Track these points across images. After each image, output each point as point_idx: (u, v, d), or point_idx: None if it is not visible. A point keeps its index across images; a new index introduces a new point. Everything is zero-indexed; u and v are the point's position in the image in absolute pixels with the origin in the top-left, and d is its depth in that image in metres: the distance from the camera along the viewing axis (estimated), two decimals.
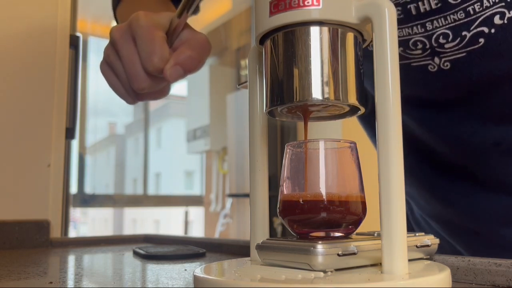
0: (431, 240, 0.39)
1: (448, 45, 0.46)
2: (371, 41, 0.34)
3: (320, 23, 0.33)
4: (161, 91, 0.52)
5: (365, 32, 0.35)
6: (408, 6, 0.46)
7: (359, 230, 0.38)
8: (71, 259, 0.65)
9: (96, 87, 2.99)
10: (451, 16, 0.44)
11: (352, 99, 0.34)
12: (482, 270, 0.37)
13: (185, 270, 0.49)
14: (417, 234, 0.39)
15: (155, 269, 0.51)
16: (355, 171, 0.37)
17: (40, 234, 0.83)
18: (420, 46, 0.47)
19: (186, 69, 0.46)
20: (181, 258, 0.58)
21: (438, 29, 0.46)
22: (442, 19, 0.45)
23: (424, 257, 0.40)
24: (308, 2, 0.33)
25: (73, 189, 2.81)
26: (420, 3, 0.45)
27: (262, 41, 0.37)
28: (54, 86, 0.95)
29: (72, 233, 4.15)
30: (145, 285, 0.42)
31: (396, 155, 0.31)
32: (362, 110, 0.36)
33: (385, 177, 0.31)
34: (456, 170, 0.55)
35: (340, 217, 0.35)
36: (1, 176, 0.87)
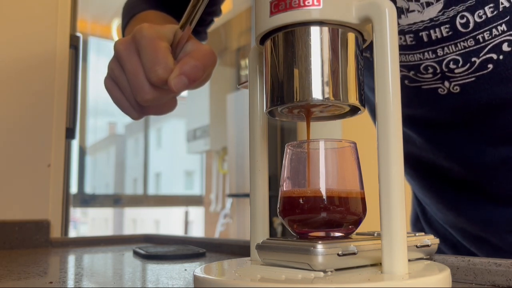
0: (431, 240, 0.39)
1: (458, 70, 0.48)
2: (371, 41, 0.34)
3: (320, 23, 0.33)
4: (167, 106, 0.51)
5: (365, 32, 0.35)
6: (420, 34, 0.48)
7: (359, 230, 0.38)
8: (71, 259, 0.65)
9: (96, 87, 2.99)
10: (461, 43, 0.46)
11: (352, 99, 0.34)
12: (482, 270, 0.37)
13: (185, 270, 0.49)
14: (417, 234, 0.39)
15: (155, 269, 0.51)
16: (355, 171, 0.37)
17: (40, 234, 0.83)
18: (431, 70, 0.49)
19: (191, 79, 0.45)
20: (181, 258, 0.58)
21: (448, 55, 0.47)
22: (453, 46, 0.47)
23: (424, 257, 0.40)
24: (308, 2, 0.33)
25: (73, 189, 2.81)
26: (431, 31, 0.47)
27: (262, 41, 0.37)
28: (54, 86, 0.95)
29: (72, 233, 4.15)
30: (145, 285, 0.42)
31: (396, 155, 0.31)
32: (362, 110, 0.36)
33: (385, 177, 0.31)
34: (464, 184, 0.57)
35: (340, 217, 0.35)
36: (1, 176, 0.87)
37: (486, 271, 0.37)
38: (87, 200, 3.10)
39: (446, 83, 0.49)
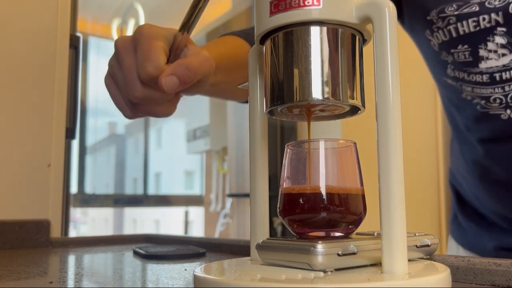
0: (431, 240, 0.39)
1: None
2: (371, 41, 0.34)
3: (320, 23, 0.33)
4: (163, 109, 0.51)
5: (365, 32, 0.35)
6: (494, 74, 0.62)
7: (359, 230, 0.38)
8: (71, 259, 0.65)
9: (96, 87, 2.99)
10: None
11: (352, 99, 0.34)
12: (482, 270, 0.37)
13: (185, 270, 0.49)
14: (417, 234, 0.39)
15: (155, 269, 0.51)
16: (355, 171, 0.37)
17: (40, 234, 0.83)
18: (498, 101, 0.64)
19: (182, 80, 0.46)
20: (181, 258, 0.58)
21: None
22: None
23: (424, 257, 0.40)
24: (308, 2, 0.33)
25: (73, 189, 2.81)
26: (503, 73, 0.62)
27: (262, 41, 0.37)
28: (54, 86, 0.95)
29: (72, 233, 4.15)
30: (145, 285, 0.42)
31: (396, 155, 0.31)
32: (362, 110, 0.36)
33: (385, 177, 0.31)
34: (510, 186, 0.69)
35: (340, 216, 0.35)
36: (1, 176, 0.87)
37: (486, 271, 0.37)
38: (87, 200, 3.10)
39: (508, 111, 0.63)
